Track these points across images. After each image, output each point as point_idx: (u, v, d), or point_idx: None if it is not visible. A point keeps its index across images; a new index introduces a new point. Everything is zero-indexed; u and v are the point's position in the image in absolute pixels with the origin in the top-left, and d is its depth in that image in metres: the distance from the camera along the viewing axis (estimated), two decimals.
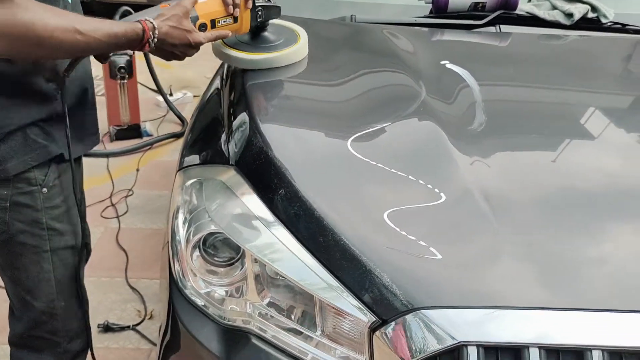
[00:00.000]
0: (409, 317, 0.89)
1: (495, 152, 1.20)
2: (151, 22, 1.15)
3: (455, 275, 0.92)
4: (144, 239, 2.64)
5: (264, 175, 1.13)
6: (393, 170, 1.10)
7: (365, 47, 1.63)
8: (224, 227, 1.10)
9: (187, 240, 1.13)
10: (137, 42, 1.14)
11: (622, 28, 1.76)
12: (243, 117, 1.31)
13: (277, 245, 1.04)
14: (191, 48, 1.23)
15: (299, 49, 1.46)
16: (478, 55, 1.61)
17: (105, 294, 2.31)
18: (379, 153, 1.15)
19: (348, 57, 1.56)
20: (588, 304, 0.88)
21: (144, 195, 3.01)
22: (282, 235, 1.05)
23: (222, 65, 1.85)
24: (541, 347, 0.85)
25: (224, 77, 1.67)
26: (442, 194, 1.05)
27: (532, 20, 1.73)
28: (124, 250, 2.55)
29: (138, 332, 2.14)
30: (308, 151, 1.17)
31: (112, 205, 2.89)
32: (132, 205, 2.91)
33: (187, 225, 1.16)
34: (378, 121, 1.23)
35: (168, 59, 1.25)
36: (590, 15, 1.74)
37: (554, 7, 1.75)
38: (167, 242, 1.23)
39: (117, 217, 2.79)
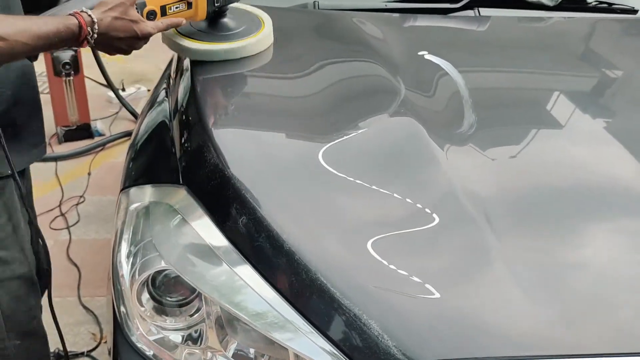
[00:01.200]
0: None
1: (491, 157, 1.04)
2: (89, 15, 1.00)
3: (458, 319, 0.76)
4: (97, 251, 2.42)
5: (221, 198, 0.94)
6: (375, 187, 0.93)
7: (333, 38, 1.44)
8: (175, 263, 0.92)
9: (133, 278, 0.95)
10: (73, 39, 1.00)
11: (609, 7, 1.62)
12: (193, 124, 1.12)
13: (239, 286, 0.86)
14: (138, 40, 1.08)
15: (263, 38, 1.28)
16: (458, 43, 1.45)
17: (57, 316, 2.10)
18: (359, 165, 0.97)
19: (315, 50, 1.38)
20: (622, 347, 0.73)
21: (96, 201, 2.77)
22: (245, 273, 0.87)
23: (173, 58, 1.65)
24: None
25: (174, 72, 1.47)
26: (434, 214, 0.88)
27: (513, 2, 1.58)
28: (75, 265, 2.32)
29: (93, 358, 1.95)
30: (273, 167, 0.98)
31: (62, 214, 2.64)
32: (84, 213, 2.68)
33: (131, 259, 0.97)
34: (355, 124, 1.06)
35: (111, 54, 1.10)
36: None
37: None
38: (109, 276, 1.05)
39: (68, 227, 2.55)
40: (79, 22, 0.99)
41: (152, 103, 1.45)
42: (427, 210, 0.89)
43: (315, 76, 1.24)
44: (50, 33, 0.96)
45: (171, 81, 1.40)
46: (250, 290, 0.86)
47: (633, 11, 1.63)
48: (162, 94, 1.43)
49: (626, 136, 1.12)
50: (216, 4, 1.22)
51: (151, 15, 1.10)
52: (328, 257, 0.83)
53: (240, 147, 1.03)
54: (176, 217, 0.98)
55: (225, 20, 1.27)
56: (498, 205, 0.91)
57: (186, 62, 1.31)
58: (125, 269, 0.97)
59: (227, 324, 0.91)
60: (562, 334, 0.76)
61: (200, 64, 1.25)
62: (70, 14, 1.00)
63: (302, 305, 0.81)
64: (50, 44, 0.97)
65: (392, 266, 0.81)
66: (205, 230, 0.94)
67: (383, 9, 1.53)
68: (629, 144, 1.09)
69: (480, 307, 0.78)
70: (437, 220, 0.88)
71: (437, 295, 0.79)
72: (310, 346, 0.80)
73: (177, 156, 1.10)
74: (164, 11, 1.12)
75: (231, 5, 1.26)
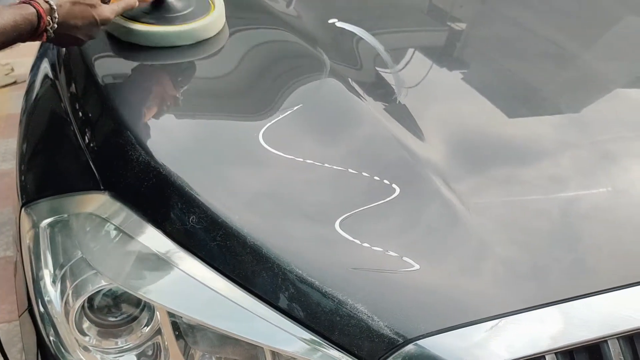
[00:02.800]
0: (404, 351, 0.69)
1: (438, 120, 1.03)
2: (46, 2, 0.88)
3: (442, 288, 0.75)
4: None
5: (160, 200, 0.84)
6: (326, 163, 0.88)
7: (239, 16, 1.35)
8: (119, 278, 0.80)
9: (67, 305, 0.82)
10: (31, 32, 0.87)
11: None
12: (107, 119, 0.99)
13: (202, 293, 0.78)
14: (96, 27, 0.98)
15: (215, 20, 1.18)
16: (361, 6, 1.42)
17: None
18: (303, 142, 0.92)
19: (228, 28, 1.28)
20: (592, 286, 0.76)
21: None
22: (204, 276, 0.78)
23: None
24: (557, 352, 0.71)
25: (59, 60, 1.29)
26: (393, 185, 0.85)
27: None
28: None
29: None
30: (213, 157, 0.89)
31: None
32: None
33: (59, 285, 0.84)
34: (289, 99, 1.00)
35: (65, 46, 1.03)
36: None
37: None
38: (25, 309, 0.91)
39: None
40: (37, 11, 0.86)
41: (34, 100, 1.26)
42: (385, 181, 0.86)
43: (236, 54, 1.15)
44: (8, 26, 0.82)
45: (59, 69, 1.22)
46: (213, 292, 0.78)
47: None
48: (46, 87, 1.25)
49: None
50: None
51: None
52: (297, 245, 0.77)
53: (170, 140, 0.92)
54: (107, 227, 0.86)
55: (172, 1, 1.16)
56: (463, 176, 0.91)
57: (72, 50, 1.15)
58: (54, 297, 0.84)
59: (186, 333, 0.82)
60: (536, 286, 0.77)
61: (99, 46, 1.11)
62: (22, 2, 0.86)
63: (277, 299, 0.75)
64: (6, 40, 0.83)
65: (365, 244, 0.77)
66: (146, 236, 0.83)
67: None
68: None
69: (460, 272, 0.77)
70: (395, 188, 0.85)
71: (417, 266, 0.76)
72: (289, 339, 0.74)
73: (88, 158, 0.96)
74: None
75: None
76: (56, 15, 0.88)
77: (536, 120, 1.10)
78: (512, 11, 1.50)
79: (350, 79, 1.09)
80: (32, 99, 1.27)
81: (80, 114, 1.07)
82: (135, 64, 1.12)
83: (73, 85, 1.16)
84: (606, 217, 0.88)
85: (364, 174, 0.87)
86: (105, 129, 0.98)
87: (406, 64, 1.21)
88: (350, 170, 0.88)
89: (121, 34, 1.13)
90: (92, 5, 0.95)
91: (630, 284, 0.77)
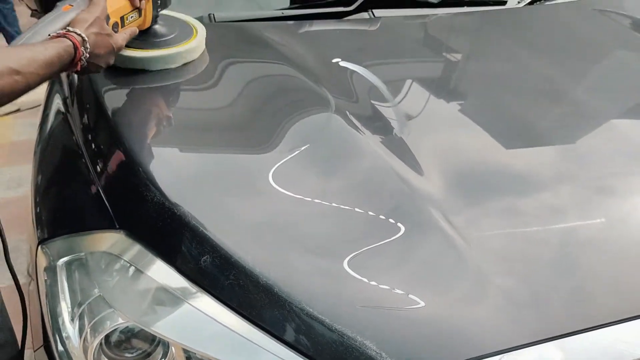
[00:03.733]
0: None
1: (435, 153, 1.07)
2: (79, 34, 0.96)
3: (446, 322, 0.78)
4: None
5: (175, 239, 0.88)
6: (334, 201, 0.92)
7: (246, 52, 1.39)
8: (136, 316, 0.84)
9: (86, 343, 0.85)
10: (69, 63, 0.95)
11: (482, 1, 1.74)
12: (121, 158, 1.02)
13: (215, 329, 0.81)
14: (113, 54, 1.07)
15: (198, 45, 1.27)
16: (362, 45, 1.47)
17: None
18: (311, 178, 0.96)
19: (233, 64, 1.33)
20: (591, 320, 0.79)
21: None
22: (216, 312, 0.82)
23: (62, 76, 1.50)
24: None
25: (70, 93, 1.33)
26: (395, 221, 0.89)
27: (401, 1, 1.63)
28: None
29: None
30: (226, 197, 0.93)
31: None
32: None
33: (79, 322, 0.87)
34: (297, 138, 1.04)
35: (89, 73, 1.06)
36: None
37: None
38: (40, 345, 0.94)
39: None
40: (73, 43, 0.94)
41: (47, 133, 1.30)
42: (388, 217, 0.90)
43: (242, 89, 1.20)
44: (55, 58, 0.90)
45: (69, 104, 1.27)
46: (226, 329, 0.81)
47: (502, 2, 1.77)
48: (59, 120, 1.29)
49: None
50: (158, 10, 1.23)
51: (115, 28, 1.09)
52: (308, 284, 0.81)
53: (183, 180, 0.96)
54: (123, 265, 0.89)
55: (157, 27, 1.26)
56: (463, 212, 0.95)
57: (92, 80, 1.20)
58: (72, 334, 0.87)
59: None
60: (537, 319, 0.80)
61: (110, 81, 1.16)
62: (59, 36, 0.94)
63: (290, 337, 0.78)
64: (53, 71, 0.91)
65: (373, 282, 0.81)
66: (160, 274, 0.87)
67: (280, 17, 1.51)
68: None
69: (463, 306, 0.80)
70: (397, 224, 0.89)
71: (421, 303, 0.80)
72: None
73: (103, 197, 1.00)
74: (123, 22, 1.12)
75: (161, 12, 1.26)
76: (87, 46, 0.96)
77: (532, 153, 1.14)
78: (507, 47, 1.55)
79: (351, 115, 1.13)
80: (46, 132, 1.31)
81: (92, 148, 1.11)
82: (142, 94, 1.18)
83: (85, 118, 1.21)
84: (603, 249, 0.91)
85: (369, 212, 0.91)
86: (117, 166, 1.02)
87: (405, 99, 1.25)
88: (354, 207, 0.91)
89: (118, 61, 1.18)
90: (109, 35, 1.03)
91: (629, 317, 0.80)
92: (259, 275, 0.80)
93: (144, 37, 1.22)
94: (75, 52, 0.94)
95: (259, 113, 1.13)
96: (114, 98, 1.17)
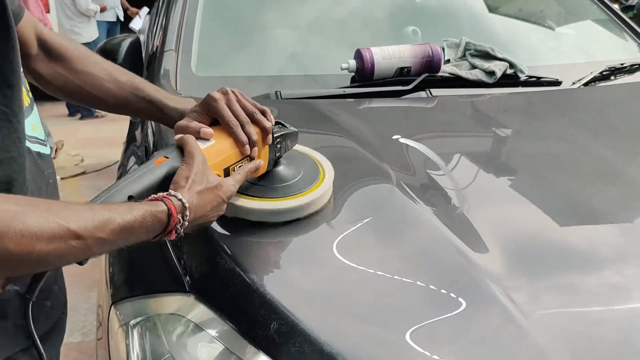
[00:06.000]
0: None
1: (495, 229, 1.09)
2: (179, 199, 0.79)
3: None
4: None
5: (243, 305, 0.92)
6: (396, 274, 0.95)
7: (311, 127, 1.47)
8: None
9: None
10: (158, 230, 0.78)
11: (537, 81, 1.79)
12: None
13: None
14: (223, 206, 0.90)
15: (326, 190, 1.06)
16: (422, 123, 1.54)
17: None
18: (376, 255, 1.00)
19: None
20: None
21: None
22: None
23: (133, 136, 1.61)
24: None
25: (144, 155, 1.43)
26: (459, 298, 0.91)
27: (457, 81, 1.70)
28: None
29: None
30: (293, 265, 0.98)
31: None
32: None
33: None
34: (360, 213, 1.09)
35: (191, 232, 0.86)
36: (509, 71, 1.75)
37: (473, 67, 1.75)
38: None
39: None
40: (169, 209, 0.77)
41: None
42: (452, 294, 0.92)
43: None
44: (135, 223, 0.73)
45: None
46: None
47: (557, 83, 1.81)
48: None
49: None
50: (277, 155, 1.03)
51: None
52: (371, 355, 0.83)
53: (253, 248, 1.01)
54: (192, 328, 0.94)
55: (280, 168, 1.05)
56: (509, 271, 0.96)
57: (160, 140, 1.28)
58: None
59: None
60: None
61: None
62: (154, 198, 0.79)
63: None
64: (129, 238, 0.74)
65: (434, 356, 0.82)
66: (228, 339, 0.91)
67: (342, 95, 1.60)
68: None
69: None
70: (459, 299, 0.91)
71: None
72: None
73: (176, 263, 1.06)
74: (227, 173, 0.93)
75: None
76: (187, 213, 0.80)
77: (590, 231, 1.15)
78: (561, 127, 1.57)
79: (410, 189, 1.17)
80: None
81: None
82: None
83: None
84: None
85: (430, 285, 0.94)
86: (194, 240, 1.08)
87: (461, 176, 1.29)
88: (416, 280, 0.94)
89: (226, 210, 0.95)
90: (217, 187, 0.86)
91: None
92: (323, 344, 0.83)
93: (265, 182, 1.03)
94: (169, 220, 0.77)
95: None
96: None
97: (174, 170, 0.85)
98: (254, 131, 0.96)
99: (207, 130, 0.93)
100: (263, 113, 1.00)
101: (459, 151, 1.44)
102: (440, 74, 1.69)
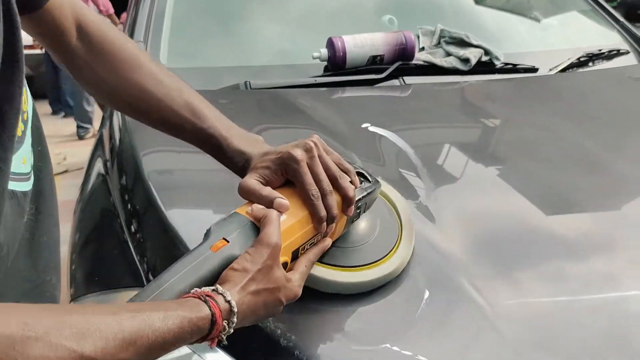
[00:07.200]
0: None
1: (462, 221, 1.06)
2: (227, 301, 0.63)
3: None
4: None
5: None
6: None
7: (277, 116, 1.45)
8: None
9: None
10: (197, 338, 0.61)
11: (514, 68, 1.77)
12: (151, 217, 1.06)
13: None
14: (280, 308, 0.72)
15: (404, 258, 0.89)
16: (393, 110, 1.51)
17: None
18: None
19: (266, 129, 1.37)
20: None
21: None
22: None
23: (100, 138, 1.58)
24: None
25: (109, 156, 1.40)
26: (425, 289, 0.89)
27: (431, 69, 1.68)
28: None
29: None
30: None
31: None
32: None
33: None
34: None
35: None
36: (484, 58, 1.73)
37: (448, 54, 1.72)
38: None
39: None
40: (213, 314, 0.61)
41: (87, 193, 1.36)
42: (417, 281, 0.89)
43: None
44: (169, 336, 0.56)
45: (109, 166, 1.33)
46: None
47: (534, 70, 1.79)
48: (99, 182, 1.35)
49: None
50: (354, 220, 0.87)
51: (284, 265, 0.74)
52: None
53: None
54: None
55: (356, 225, 0.88)
56: (477, 264, 0.94)
57: (120, 143, 1.25)
58: None
59: None
60: None
61: (148, 143, 1.20)
62: (198, 297, 0.62)
63: None
64: (158, 354, 0.57)
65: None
66: None
67: (314, 84, 1.57)
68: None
69: None
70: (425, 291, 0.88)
71: None
72: None
73: (134, 255, 1.03)
74: (296, 254, 0.76)
75: None
76: (234, 319, 0.63)
77: (565, 220, 1.12)
78: (538, 114, 1.55)
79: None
80: (86, 193, 1.37)
81: (128, 209, 1.15)
82: (179, 158, 1.21)
83: (122, 179, 1.26)
84: (634, 322, 0.88)
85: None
86: (150, 227, 1.06)
87: (432, 165, 1.26)
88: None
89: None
90: (279, 288, 0.69)
91: None
92: (276, 328, 0.80)
93: (337, 244, 0.86)
94: (212, 327, 0.61)
95: None
96: (151, 161, 1.22)
97: (234, 259, 0.68)
98: (335, 204, 0.77)
99: (284, 203, 0.74)
100: (346, 173, 0.81)
101: (433, 140, 1.41)
102: (414, 61, 1.67)
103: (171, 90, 0.89)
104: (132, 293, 0.96)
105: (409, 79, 1.61)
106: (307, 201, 0.76)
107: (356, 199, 0.81)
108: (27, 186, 0.74)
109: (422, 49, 1.77)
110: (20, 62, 0.59)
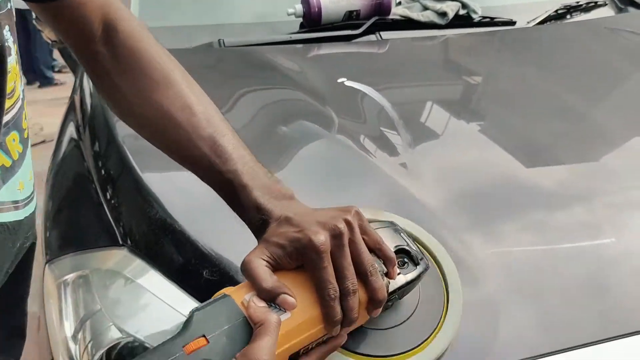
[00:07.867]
0: None
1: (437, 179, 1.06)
2: None
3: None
4: None
5: (174, 254, 0.88)
6: None
7: (252, 75, 1.42)
8: (136, 331, 0.84)
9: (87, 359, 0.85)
10: None
11: (491, 21, 1.75)
12: (126, 178, 1.04)
13: None
14: None
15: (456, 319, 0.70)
16: (370, 65, 1.49)
17: None
18: (315, 197, 0.96)
19: (237, 87, 1.35)
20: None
21: None
22: None
23: (72, 103, 1.54)
24: None
25: (81, 121, 1.37)
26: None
27: (408, 24, 1.65)
28: None
29: None
30: (225, 214, 0.94)
31: None
32: None
33: (81, 338, 0.87)
34: (297, 155, 1.05)
35: None
36: (461, 12, 1.70)
37: (425, 8, 1.70)
38: None
39: None
40: None
41: (59, 160, 1.33)
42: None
43: (247, 110, 1.21)
44: None
45: (83, 131, 1.30)
46: None
47: (512, 23, 1.77)
48: (71, 147, 1.32)
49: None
50: (388, 303, 0.66)
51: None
52: None
53: (183, 198, 0.97)
54: (125, 281, 0.90)
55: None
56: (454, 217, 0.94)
57: (93, 110, 1.22)
58: (74, 349, 0.87)
59: None
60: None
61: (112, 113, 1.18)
62: None
63: None
64: None
65: None
66: (161, 289, 0.87)
67: (289, 41, 1.54)
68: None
69: None
70: None
71: None
72: None
73: (109, 215, 1.02)
74: (296, 356, 0.60)
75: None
76: None
77: (543, 171, 1.13)
78: (516, 67, 1.54)
79: (356, 135, 1.13)
80: (58, 159, 1.34)
81: (102, 173, 1.13)
82: None
83: (96, 145, 1.23)
84: (612, 269, 0.89)
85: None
86: (124, 188, 1.04)
87: (410, 120, 1.24)
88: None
89: None
90: None
91: None
92: None
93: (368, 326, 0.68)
94: None
95: (262, 138, 1.13)
96: (125, 125, 1.18)
97: None
98: (356, 305, 0.61)
99: (289, 301, 0.58)
100: (385, 261, 0.64)
101: (410, 95, 1.40)
102: (390, 16, 1.64)
103: (198, 120, 0.72)
104: (108, 253, 0.97)
105: (385, 34, 1.59)
106: (321, 301, 0.60)
107: (391, 290, 0.64)
108: (30, 208, 0.69)
109: (399, 3, 1.74)
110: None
